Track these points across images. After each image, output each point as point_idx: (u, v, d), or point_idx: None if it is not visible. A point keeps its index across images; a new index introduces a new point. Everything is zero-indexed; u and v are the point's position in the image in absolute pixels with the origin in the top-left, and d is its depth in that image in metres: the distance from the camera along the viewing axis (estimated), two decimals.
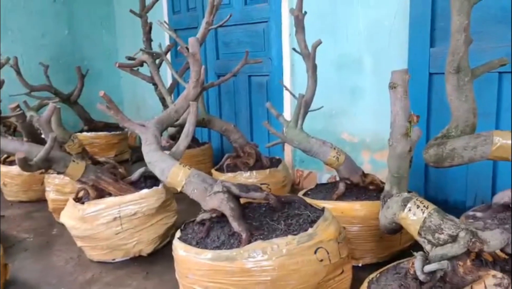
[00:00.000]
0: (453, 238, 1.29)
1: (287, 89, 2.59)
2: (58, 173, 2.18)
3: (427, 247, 1.35)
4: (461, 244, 1.26)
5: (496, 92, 2.17)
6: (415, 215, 1.41)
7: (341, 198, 2.10)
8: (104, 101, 1.97)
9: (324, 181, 3.09)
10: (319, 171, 3.17)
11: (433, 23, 2.34)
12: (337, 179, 2.25)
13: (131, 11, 3.20)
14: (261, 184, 2.72)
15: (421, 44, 2.39)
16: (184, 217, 2.06)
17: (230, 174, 2.79)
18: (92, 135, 4.12)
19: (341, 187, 2.14)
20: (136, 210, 2.12)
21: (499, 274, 1.21)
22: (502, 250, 1.30)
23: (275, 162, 2.95)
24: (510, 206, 1.67)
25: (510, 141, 1.60)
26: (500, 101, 2.18)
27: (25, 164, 1.95)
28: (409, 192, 2.08)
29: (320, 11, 2.90)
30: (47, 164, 2.08)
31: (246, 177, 2.75)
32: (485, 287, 1.19)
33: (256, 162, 2.89)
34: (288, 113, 3.25)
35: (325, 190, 2.28)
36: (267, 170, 2.80)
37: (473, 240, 1.26)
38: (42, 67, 3.93)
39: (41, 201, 3.08)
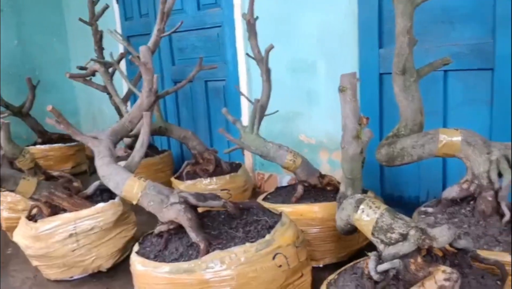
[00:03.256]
0: (404, 237, 1.33)
1: (242, 94, 2.59)
2: (9, 190, 2.10)
3: (380, 246, 1.38)
4: (411, 242, 1.30)
5: (442, 90, 2.25)
6: (368, 216, 1.44)
7: (299, 200, 2.12)
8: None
9: (285, 183, 3.11)
10: (280, 173, 3.19)
11: (380, 25, 2.40)
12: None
13: (80, 19, 3.12)
14: (222, 190, 2.72)
15: (370, 46, 2.44)
16: (145, 228, 2.03)
17: (189, 182, 2.76)
18: (47, 148, 3.99)
19: (299, 189, 2.16)
20: (93, 225, 2.07)
21: (449, 269, 1.25)
22: (451, 245, 1.35)
23: (235, 167, 2.95)
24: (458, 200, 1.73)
25: (455, 139, 1.67)
26: (446, 99, 2.26)
27: None
28: (365, 191, 2.14)
29: (272, 16, 2.93)
30: None
31: (206, 184, 2.73)
32: (436, 282, 1.23)
33: (216, 168, 2.87)
34: (246, 117, 3.26)
35: (285, 193, 2.30)
36: (227, 176, 2.79)
37: (422, 237, 1.30)
38: None
39: None
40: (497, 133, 2.08)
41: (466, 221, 1.66)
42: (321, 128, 2.90)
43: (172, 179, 2.91)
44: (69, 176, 2.61)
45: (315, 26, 2.78)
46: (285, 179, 3.17)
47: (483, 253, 1.43)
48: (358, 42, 2.52)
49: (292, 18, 2.89)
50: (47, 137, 4.13)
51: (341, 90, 1.54)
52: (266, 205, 1.98)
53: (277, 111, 2.39)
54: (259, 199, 2.22)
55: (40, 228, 2.06)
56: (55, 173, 2.75)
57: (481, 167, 1.63)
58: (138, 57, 2.12)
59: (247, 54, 2.39)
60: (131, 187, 1.77)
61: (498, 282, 1.34)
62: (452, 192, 1.73)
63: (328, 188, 2.20)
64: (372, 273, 1.30)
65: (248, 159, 3.41)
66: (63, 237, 2.05)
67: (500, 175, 1.61)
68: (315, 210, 2.03)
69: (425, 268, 1.30)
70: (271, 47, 2.19)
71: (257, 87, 2.71)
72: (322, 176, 2.23)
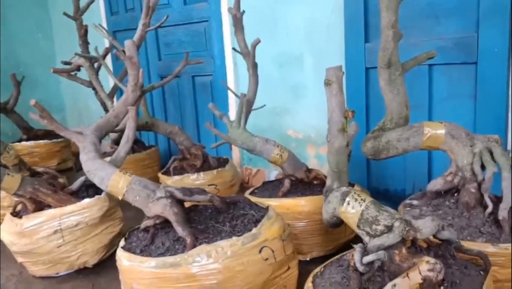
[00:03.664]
0: (389, 228, 1.34)
1: (229, 89, 2.58)
2: None
3: (366, 238, 1.40)
4: (396, 233, 1.31)
5: (427, 84, 2.27)
6: (353, 208, 1.45)
7: (286, 194, 2.12)
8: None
9: (272, 177, 3.12)
10: (267, 168, 3.20)
11: (366, 19, 2.41)
12: None
13: (64, 14, 3.08)
14: (209, 185, 2.72)
15: (356, 40, 2.45)
16: (132, 223, 2.02)
17: (177, 177, 2.75)
18: (32, 144, 3.94)
19: (286, 183, 2.16)
20: (78, 221, 2.05)
21: (432, 260, 1.27)
22: (434, 236, 1.37)
23: (222, 162, 2.95)
24: (442, 192, 1.75)
25: (439, 131, 1.69)
26: (431, 93, 2.28)
27: None
28: (352, 184, 2.16)
29: (259, 10, 2.92)
30: None
31: (194, 179, 2.73)
32: (420, 272, 1.24)
33: (203, 163, 2.87)
34: (233, 112, 3.25)
35: (271, 188, 2.30)
36: (215, 171, 2.78)
37: (407, 228, 1.31)
38: None
39: None
40: (480, 126, 2.11)
41: (450, 213, 1.69)
42: (308, 122, 2.90)
43: (159, 175, 2.89)
44: (54, 172, 2.60)
45: (302, 20, 2.78)
46: (273, 174, 3.18)
47: (466, 244, 1.45)
48: (344, 36, 2.53)
49: (278, 12, 2.89)
50: (32, 134, 4.08)
51: (327, 83, 1.55)
52: (253, 199, 1.98)
53: (264, 105, 2.39)
54: (246, 194, 2.22)
55: (25, 224, 2.03)
56: (40, 169, 2.72)
57: (464, 159, 1.65)
58: (124, 51, 2.10)
59: (233, 48, 2.38)
60: (117, 182, 1.76)
61: (481, 272, 1.36)
62: (436, 184, 1.75)
63: (315, 182, 2.21)
64: (358, 265, 1.31)
65: (235, 154, 3.40)
66: (48, 233, 2.03)
67: (483, 167, 1.64)
68: (301, 203, 2.03)
69: (410, 259, 1.31)
70: (258, 41, 2.19)
71: (244, 81, 2.71)
72: (309, 170, 2.24)
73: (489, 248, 1.48)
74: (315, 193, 2.10)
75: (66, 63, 3.07)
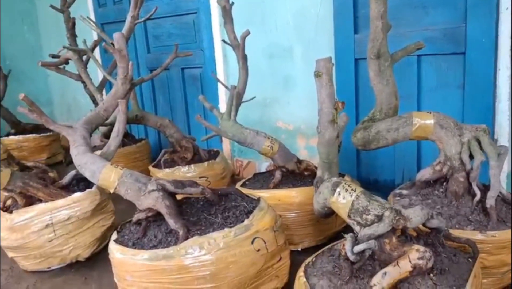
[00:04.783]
0: (379, 218, 1.36)
1: (219, 81, 2.58)
2: None
3: (357, 228, 1.41)
4: (386, 222, 1.33)
5: (416, 74, 2.29)
6: (344, 199, 1.46)
7: (277, 186, 2.14)
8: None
9: (263, 169, 3.13)
10: (258, 160, 3.20)
11: (355, 10, 2.41)
12: None
13: (51, 6, 3.04)
14: (200, 177, 2.72)
15: (346, 31, 2.46)
16: (125, 216, 2.01)
17: (167, 170, 2.75)
18: (20, 138, 3.91)
19: (277, 175, 2.17)
20: (70, 215, 2.04)
21: (422, 248, 1.29)
22: (424, 224, 1.39)
23: (213, 154, 2.95)
24: (431, 182, 1.77)
25: (428, 121, 1.71)
26: (420, 83, 2.30)
27: None
28: (342, 175, 2.17)
29: (248, 1, 2.91)
30: None
31: (184, 172, 2.73)
32: (410, 261, 1.26)
33: (194, 156, 2.87)
34: (224, 104, 3.25)
35: (263, 179, 2.31)
36: (205, 163, 2.79)
37: (397, 218, 1.33)
38: None
39: None
40: (469, 115, 2.13)
41: (439, 202, 1.71)
42: (299, 114, 2.91)
43: (150, 168, 2.89)
44: (44, 166, 2.57)
45: (291, 11, 2.78)
46: (264, 165, 3.19)
47: (455, 232, 1.48)
48: (333, 28, 2.53)
49: (268, 4, 2.88)
50: (20, 128, 4.04)
51: (317, 75, 1.55)
52: (245, 191, 1.99)
53: (254, 97, 2.39)
54: (238, 185, 2.23)
55: (16, 219, 2.02)
56: (30, 163, 2.70)
57: (453, 149, 1.67)
58: (112, 44, 2.08)
59: (223, 40, 2.37)
60: (108, 175, 1.75)
61: (470, 260, 1.39)
62: (425, 174, 1.77)
63: (306, 173, 2.22)
64: (349, 254, 1.33)
65: (226, 146, 3.40)
66: (39, 228, 2.02)
67: (471, 156, 1.66)
68: (293, 194, 2.05)
69: (400, 247, 1.33)
70: (247, 33, 2.18)
71: (235, 73, 2.71)
72: (299, 161, 2.25)
73: (477, 236, 1.51)
74: (306, 184, 2.12)
75: (54, 56, 3.03)
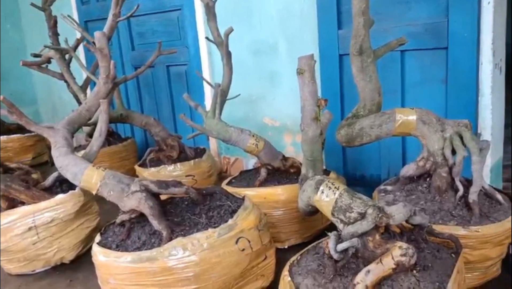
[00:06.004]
0: (362, 216, 1.36)
1: (203, 79, 2.55)
2: None
3: (340, 226, 1.41)
4: (369, 220, 1.33)
5: (399, 70, 2.29)
6: (327, 197, 1.46)
7: (263, 184, 2.13)
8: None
9: (251, 166, 3.12)
10: (245, 157, 3.19)
11: (339, 6, 2.40)
12: None
13: (32, 4, 2.99)
14: (186, 176, 2.71)
15: (330, 27, 2.45)
16: (110, 217, 1.99)
17: (153, 169, 2.73)
18: (4, 139, 3.84)
19: (263, 173, 2.17)
20: (53, 217, 2.01)
21: (405, 245, 1.29)
22: (407, 221, 1.39)
23: (199, 152, 2.93)
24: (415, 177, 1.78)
25: (410, 118, 1.71)
26: (404, 78, 2.30)
27: None
28: (327, 172, 2.17)
29: None
30: None
31: (171, 170, 2.71)
32: (393, 258, 1.27)
33: (180, 154, 2.84)
34: (210, 101, 3.21)
35: (249, 177, 2.30)
36: (192, 161, 2.77)
37: (379, 215, 1.33)
38: None
39: None
40: (452, 110, 2.14)
41: (422, 197, 1.72)
42: (285, 110, 2.90)
43: (136, 167, 2.86)
44: (27, 167, 2.53)
45: (275, 7, 2.76)
46: (251, 162, 3.18)
47: (438, 228, 1.48)
48: (317, 24, 2.52)
49: (252, 0, 2.86)
50: (4, 128, 3.97)
51: (299, 72, 1.55)
52: (230, 189, 1.98)
53: (239, 95, 2.38)
54: (224, 184, 2.22)
55: None
56: (13, 165, 2.65)
57: (435, 144, 1.67)
58: (94, 43, 2.05)
59: (206, 38, 2.35)
60: (90, 176, 1.73)
61: (453, 255, 1.40)
62: (409, 169, 1.77)
63: (292, 170, 2.22)
64: (332, 252, 1.33)
65: (213, 144, 3.39)
66: (22, 231, 1.99)
67: (454, 151, 1.66)
68: (278, 192, 2.04)
69: (383, 245, 1.33)
70: (230, 30, 2.16)
71: (220, 70, 2.67)
72: (285, 159, 2.24)
73: (460, 231, 1.52)
74: (292, 181, 2.11)
75: (36, 55, 2.99)
